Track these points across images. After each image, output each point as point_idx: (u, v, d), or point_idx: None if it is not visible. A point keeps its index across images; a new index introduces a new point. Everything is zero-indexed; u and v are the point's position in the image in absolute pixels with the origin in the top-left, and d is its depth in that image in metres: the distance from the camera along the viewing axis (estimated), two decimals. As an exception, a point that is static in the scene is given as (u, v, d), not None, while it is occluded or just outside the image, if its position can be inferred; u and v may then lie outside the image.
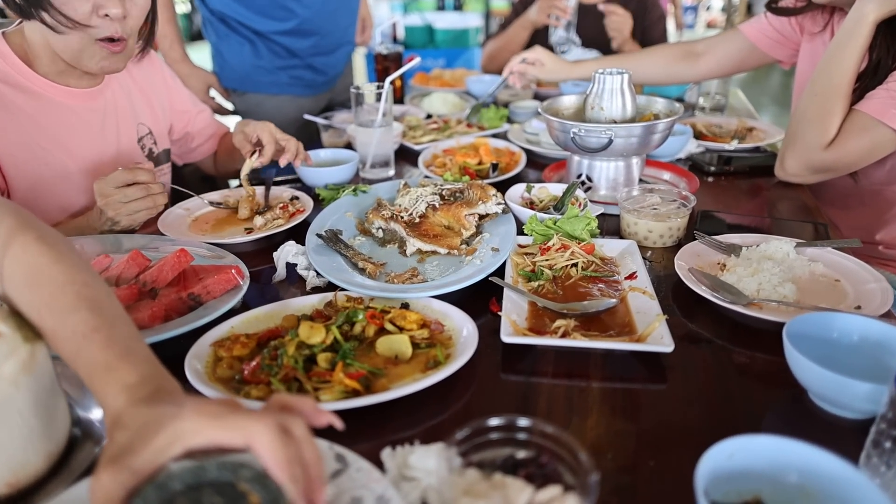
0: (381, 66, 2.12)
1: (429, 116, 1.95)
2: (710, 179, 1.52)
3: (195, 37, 13.08)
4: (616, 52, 2.45)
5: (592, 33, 2.54)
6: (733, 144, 1.64)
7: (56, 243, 0.68)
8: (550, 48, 2.56)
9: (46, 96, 1.22)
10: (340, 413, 0.71)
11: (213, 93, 2.01)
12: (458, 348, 0.82)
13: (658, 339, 0.82)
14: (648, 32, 2.53)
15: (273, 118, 2.00)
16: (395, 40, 3.72)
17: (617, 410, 0.76)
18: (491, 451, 0.61)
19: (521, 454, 0.60)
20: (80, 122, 1.27)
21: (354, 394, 0.73)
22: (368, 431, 0.72)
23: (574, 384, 0.80)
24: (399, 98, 2.17)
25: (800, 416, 0.75)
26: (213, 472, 0.50)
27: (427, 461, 0.62)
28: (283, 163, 1.38)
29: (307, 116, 1.84)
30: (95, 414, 0.72)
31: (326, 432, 0.63)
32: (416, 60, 1.56)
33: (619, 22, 2.39)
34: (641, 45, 2.45)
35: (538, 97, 2.22)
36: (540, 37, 2.57)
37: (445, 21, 3.57)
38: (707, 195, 1.43)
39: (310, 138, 1.96)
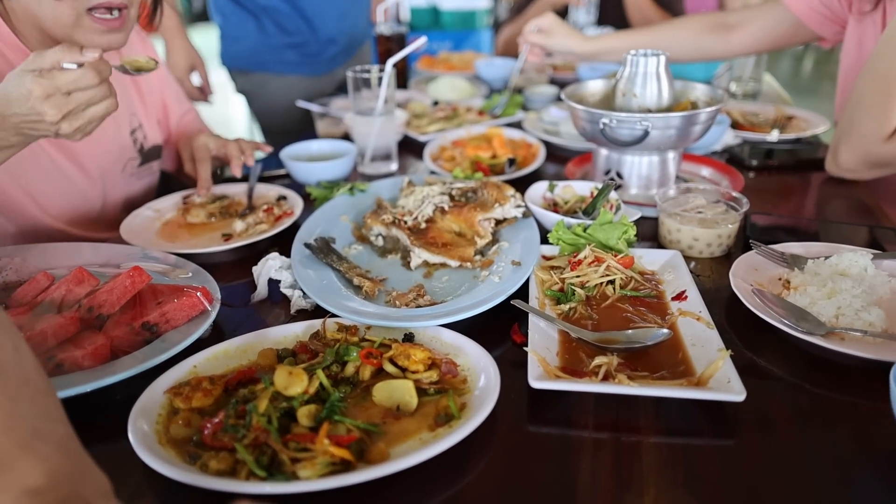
0: (384, 47, 1.94)
1: (435, 103, 1.78)
2: (752, 175, 1.35)
3: (194, 18, 12.93)
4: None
5: (614, 15, 2.37)
6: (774, 135, 1.47)
7: None
8: None
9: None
10: (325, 494, 0.55)
11: (195, 78, 1.83)
12: (474, 396, 0.66)
13: (724, 383, 0.66)
14: (669, 9, 2.35)
15: (278, 99, 1.85)
16: (398, 22, 3.53)
17: (679, 481, 0.59)
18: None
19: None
20: None
21: (343, 465, 0.57)
22: (363, 516, 0.56)
23: (622, 439, 0.64)
24: (403, 83, 1.99)
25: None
26: None
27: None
28: (235, 172, 1.22)
29: (300, 103, 1.67)
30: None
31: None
32: (423, 40, 1.38)
33: None
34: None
35: (555, 82, 2.04)
36: (560, 18, 2.39)
37: (452, 2, 3.37)
38: (749, 194, 1.24)
39: (305, 127, 1.80)
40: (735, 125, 1.52)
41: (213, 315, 0.78)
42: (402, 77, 2.00)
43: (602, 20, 2.46)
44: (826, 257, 0.88)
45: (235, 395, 0.66)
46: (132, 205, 1.22)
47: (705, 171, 1.29)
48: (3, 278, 0.85)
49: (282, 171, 1.35)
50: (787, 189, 1.30)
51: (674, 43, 1.58)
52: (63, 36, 0.97)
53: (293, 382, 0.62)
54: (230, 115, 5.31)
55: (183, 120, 1.39)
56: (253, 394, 0.64)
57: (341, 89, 2.06)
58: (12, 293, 0.81)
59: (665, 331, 0.74)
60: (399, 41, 1.94)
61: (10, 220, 1.07)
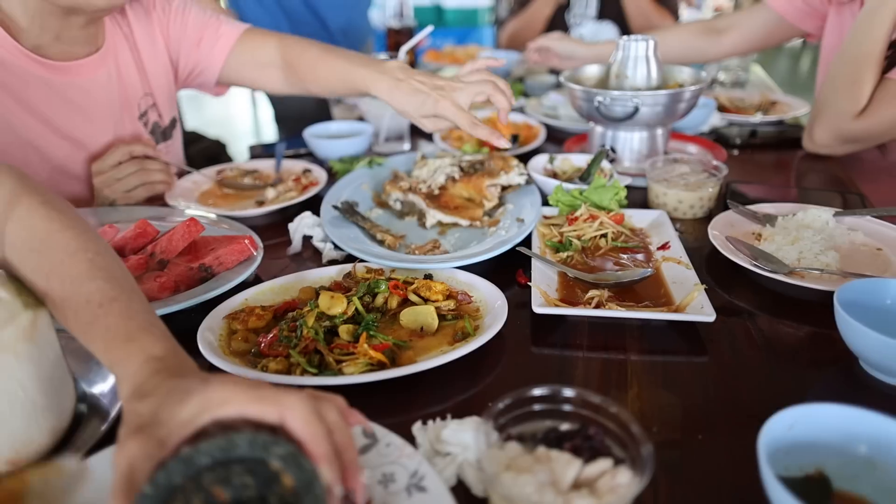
0: (393, 40, 2.07)
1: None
2: (736, 153, 1.46)
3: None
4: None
5: (613, 9, 2.48)
6: (758, 117, 1.59)
7: (64, 209, 0.64)
8: (566, 25, 2.51)
9: (34, 73, 1.05)
10: (366, 386, 0.67)
11: None
12: (486, 320, 0.77)
13: (698, 308, 0.78)
14: (664, 3, 2.47)
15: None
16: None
17: (658, 383, 0.71)
18: (532, 423, 0.56)
19: (566, 426, 0.56)
20: (78, 102, 1.12)
21: (380, 367, 0.69)
22: (396, 407, 0.67)
23: (611, 357, 0.76)
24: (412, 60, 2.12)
25: (852, 387, 0.70)
26: (244, 448, 0.45)
27: (462, 435, 0.58)
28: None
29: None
30: (102, 389, 0.68)
31: (352, 402, 0.59)
32: (429, 29, 1.50)
33: None
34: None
35: (554, 71, 2.16)
36: (563, 12, 2.52)
37: (454, 1, 3.50)
38: (734, 168, 1.37)
39: (320, 113, 1.92)
40: (722, 108, 1.64)
41: (259, 259, 0.90)
42: (411, 68, 2.12)
43: (602, 14, 2.56)
44: (794, 214, 1.00)
45: (284, 318, 0.78)
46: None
47: (692, 148, 1.41)
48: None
49: (303, 151, 1.47)
50: (768, 164, 1.41)
51: (669, 46, 1.72)
52: (67, 1, 0.98)
53: (335, 304, 0.74)
54: (233, 112, 5.44)
55: (221, 31, 1.26)
56: (301, 316, 0.76)
57: None
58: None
59: (649, 270, 0.86)
60: (407, 34, 2.06)
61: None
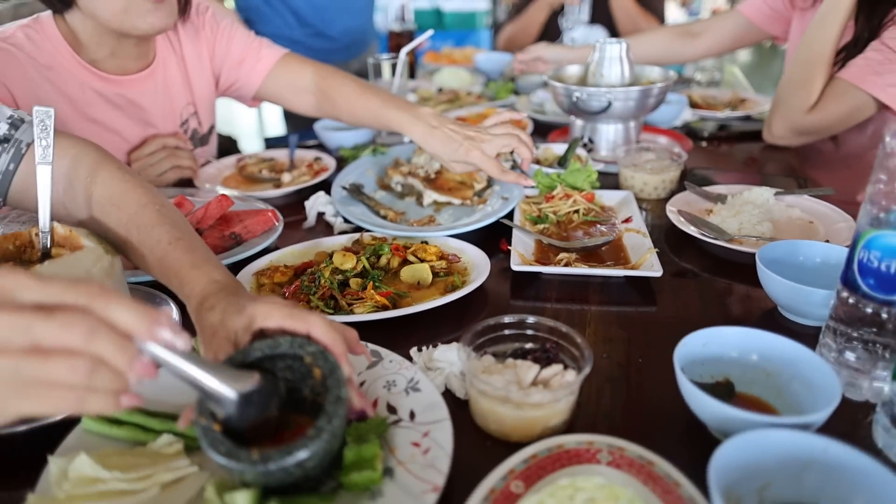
0: (395, 42, 2.22)
1: (440, 90, 2.05)
2: (705, 144, 1.62)
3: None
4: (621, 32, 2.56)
5: (603, 14, 2.63)
6: (726, 112, 1.74)
7: (134, 174, 0.80)
8: (559, 29, 2.67)
9: (90, 83, 1.21)
10: (372, 324, 0.83)
11: None
12: (472, 276, 0.93)
13: (649, 266, 0.93)
14: (650, 8, 2.62)
15: None
16: (404, 21, 3.80)
17: (612, 324, 0.87)
18: (503, 344, 0.72)
19: (529, 345, 0.71)
20: (127, 111, 1.27)
21: (384, 308, 0.84)
22: (396, 340, 0.82)
23: (575, 308, 0.91)
24: (411, 74, 2.27)
25: (770, 327, 0.86)
26: (285, 346, 0.60)
27: (449, 354, 0.73)
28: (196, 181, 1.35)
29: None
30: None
31: (361, 336, 0.74)
32: (429, 33, 1.66)
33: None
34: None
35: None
36: (556, 17, 2.67)
37: (453, 4, 3.66)
38: (701, 158, 1.53)
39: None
40: (694, 105, 1.79)
41: (280, 228, 1.05)
42: (411, 69, 2.28)
43: (593, 19, 2.71)
44: (742, 193, 1.15)
45: (304, 274, 0.93)
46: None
47: (662, 140, 1.56)
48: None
49: (312, 142, 1.63)
50: (732, 155, 1.57)
51: (649, 48, 1.88)
52: (119, 22, 1.11)
53: (346, 261, 0.90)
54: (238, 111, 5.58)
55: (262, 52, 1.39)
56: (318, 270, 0.91)
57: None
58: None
59: (611, 237, 1.01)
60: (408, 36, 2.21)
61: None
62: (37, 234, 0.76)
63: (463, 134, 1.11)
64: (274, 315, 0.62)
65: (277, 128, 5.12)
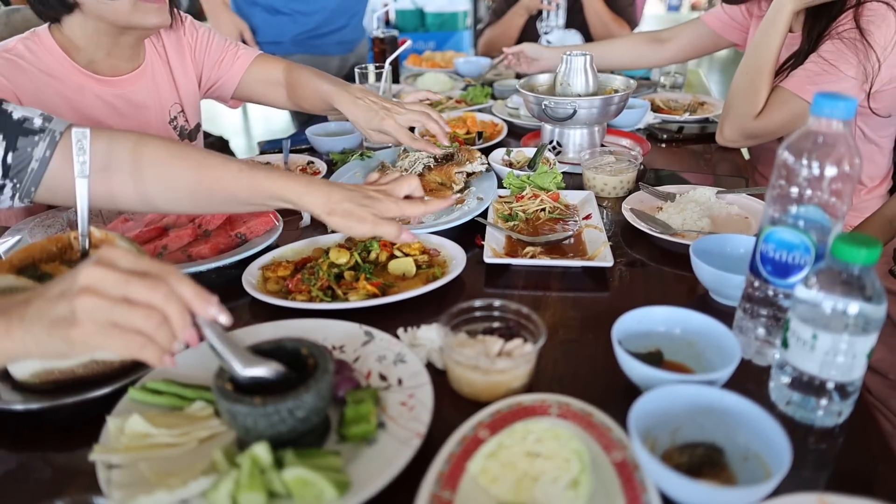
0: (378, 48, 2.36)
1: (422, 94, 2.19)
2: (664, 146, 1.78)
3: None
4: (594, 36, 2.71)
5: (578, 18, 2.78)
6: (685, 116, 1.90)
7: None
8: (536, 32, 2.82)
9: (88, 87, 1.34)
10: (365, 310, 0.97)
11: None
12: (451, 267, 1.07)
13: (602, 258, 1.08)
14: (623, 14, 2.77)
15: None
16: (388, 24, 3.93)
17: (568, 307, 1.01)
18: (475, 324, 0.86)
19: (496, 325, 0.86)
20: (121, 110, 1.40)
21: (374, 296, 0.99)
22: (386, 323, 0.96)
23: (539, 294, 1.06)
24: (395, 78, 2.41)
25: (701, 307, 1.01)
26: (288, 344, 0.74)
27: (430, 333, 0.88)
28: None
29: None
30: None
31: (355, 320, 0.89)
32: (408, 43, 1.80)
33: None
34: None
35: (518, 76, 2.46)
36: (534, 21, 2.82)
37: (434, 5, 3.79)
38: (660, 158, 1.69)
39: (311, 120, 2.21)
40: (656, 109, 1.95)
41: (280, 228, 1.19)
42: (395, 73, 2.42)
43: (569, 23, 2.86)
44: (688, 192, 1.31)
45: (304, 268, 1.07)
46: None
47: (625, 142, 1.71)
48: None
49: (304, 146, 1.76)
50: (688, 155, 1.72)
51: (620, 54, 2.05)
52: (126, 22, 1.25)
53: (341, 255, 1.04)
54: (223, 112, 5.67)
55: (238, 58, 1.57)
56: (317, 264, 1.05)
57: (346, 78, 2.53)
58: (140, 218, 1.22)
59: (570, 232, 1.16)
60: (391, 42, 2.35)
61: None
62: (76, 237, 0.89)
63: (381, 105, 1.35)
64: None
65: (262, 128, 5.22)
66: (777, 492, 0.61)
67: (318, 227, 1.31)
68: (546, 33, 2.84)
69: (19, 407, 0.77)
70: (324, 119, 1.97)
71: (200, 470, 0.65)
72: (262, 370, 0.68)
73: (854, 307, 0.68)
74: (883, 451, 0.73)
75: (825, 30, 1.52)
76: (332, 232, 1.26)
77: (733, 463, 0.67)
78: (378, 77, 1.70)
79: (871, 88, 1.43)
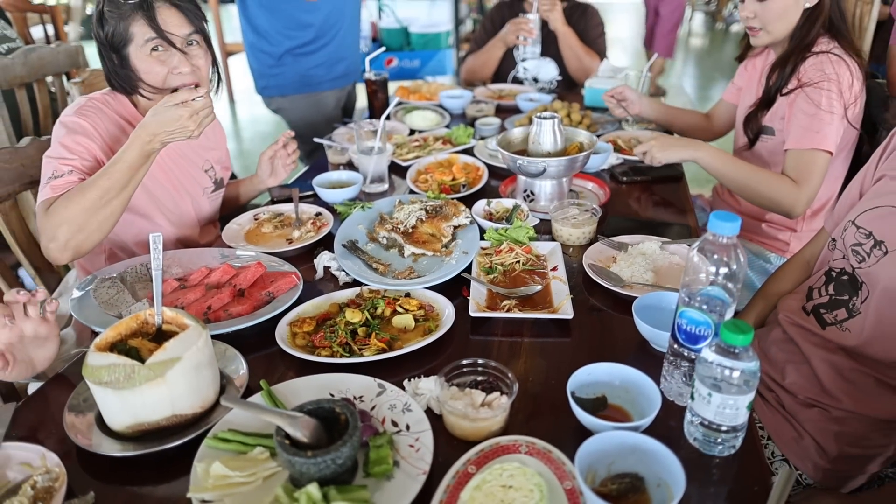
0: (371, 89, 2.59)
1: (411, 132, 2.43)
2: (624, 186, 2.04)
3: None
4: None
5: (552, 48, 3.02)
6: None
7: None
8: (514, 60, 3.07)
9: None
10: (376, 362, 1.22)
11: None
12: (443, 321, 1.33)
13: (565, 311, 1.34)
14: (593, 46, 3.01)
15: (306, 113, 2.61)
16: (374, 41, 4.14)
17: (537, 354, 1.28)
18: (463, 377, 1.12)
19: (480, 378, 1.12)
20: (168, 152, 1.72)
21: (383, 350, 1.24)
22: (394, 369, 1.22)
23: (515, 340, 1.32)
24: (384, 109, 2.65)
25: (642, 353, 1.28)
26: (326, 405, 0.99)
27: (429, 384, 1.14)
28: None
29: (316, 139, 2.31)
30: (229, 371, 1.22)
31: (369, 372, 1.15)
32: (396, 100, 2.04)
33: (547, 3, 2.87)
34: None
35: (500, 109, 2.71)
36: (512, 51, 3.06)
37: (418, 25, 4.00)
38: (620, 198, 1.95)
39: (326, 130, 2.45)
40: (619, 150, 2.20)
41: (301, 286, 1.44)
42: (384, 107, 2.66)
43: (544, 53, 3.09)
44: (638, 244, 1.57)
45: (324, 325, 1.32)
46: (212, 217, 1.88)
47: (590, 185, 1.97)
48: (172, 273, 1.50)
49: (310, 193, 2.00)
50: (645, 195, 1.99)
51: (690, 124, 2.41)
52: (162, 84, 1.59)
53: (355, 315, 1.30)
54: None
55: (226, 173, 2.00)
56: (335, 323, 1.30)
57: (351, 98, 2.94)
58: (188, 277, 1.46)
59: (539, 287, 1.42)
60: (382, 84, 2.58)
61: (157, 227, 1.72)
62: (150, 315, 1.14)
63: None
64: None
65: (250, 130, 5.41)
66: (675, 510, 0.88)
67: (329, 277, 1.56)
68: (523, 60, 3.08)
69: (118, 454, 1.02)
70: (322, 160, 2.21)
71: (268, 503, 0.91)
72: (304, 432, 0.94)
73: (736, 372, 0.94)
74: (762, 474, 1.00)
75: (785, 83, 1.84)
76: (345, 284, 1.51)
77: (650, 488, 0.94)
78: (374, 134, 1.94)
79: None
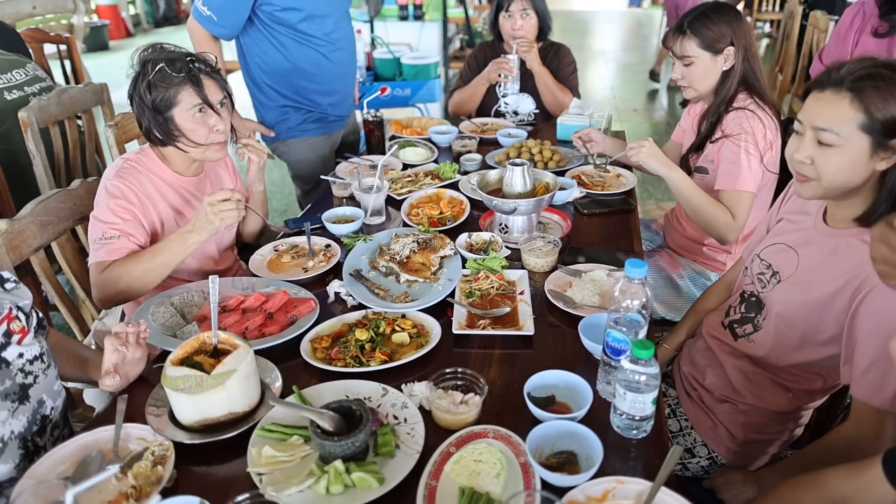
0: (368, 128, 2.95)
1: (404, 167, 2.80)
2: (585, 218, 2.40)
3: (157, 24, 13.40)
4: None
5: (529, 84, 3.38)
6: (606, 191, 2.52)
7: None
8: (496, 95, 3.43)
9: (176, 185, 2.04)
10: (381, 371, 1.58)
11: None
12: (431, 337, 1.69)
13: (528, 329, 1.70)
14: (566, 83, 3.37)
15: (305, 156, 2.95)
16: (368, 69, 4.50)
17: (506, 363, 1.64)
18: (447, 381, 1.48)
19: (459, 382, 1.48)
20: (192, 194, 2.09)
21: (385, 361, 1.60)
22: (393, 376, 1.57)
23: (487, 352, 1.68)
24: (380, 147, 3.01)
25: (587, 361, 1.63)
26: (345, 404, 1.35)
27: (421, 387, 1.50)
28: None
29: (323, 177, 2.67)
30: (266, 379, 1.57)
31: (374, 379, 1.51)
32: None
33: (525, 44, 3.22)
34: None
35: (483, 142, 3.08)
36: (494, 86, 3.42)
37: (409, 57, 4.37)
38: (582, 228, 2.31)
39: (325, 170, 2.81)
40: (582, 184, 2.57)
41: (318, 310, 1.79)
42: (380, 143, 3.02)
43: (522, 89, 3.45)
44: (590, 272, 1.93)
45: (339, 341, 1.68)
46: (230, 244, 2.25)
47: (555, 217, 2.33)
48: (201, 300, 1.86)
49: (318, 226, 2.35)
50: (602, 224, 2.35)
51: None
52: (202, 158, 1.99)
53: (363, 334, 1.66)
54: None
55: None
56: (347, 341, 1.66)
57: (344, 145, 3.20)
58: (225, 304, 1.81)
59: (508, 309, 1.79)
60: (378, 124, 2.94)
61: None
62: (208, 337, 1.49)
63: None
64: None
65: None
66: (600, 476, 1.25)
67: (339, 301, 1.92)
68: (504, 96, 3.45)
69: (189, 441, 1.37)
70: (328, 194, 2.57)
71: (306, 474, 1.26)
72: (331, 423, 1.30)
73: (643, 377, 1.31)
74: (663, 450, 1.36)
75: (712, 132, 2.21)
76: (353, 306, 1.87)
77: (581, 461, 1.30)
78: (373, 168, 2.30)
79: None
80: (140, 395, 1.52)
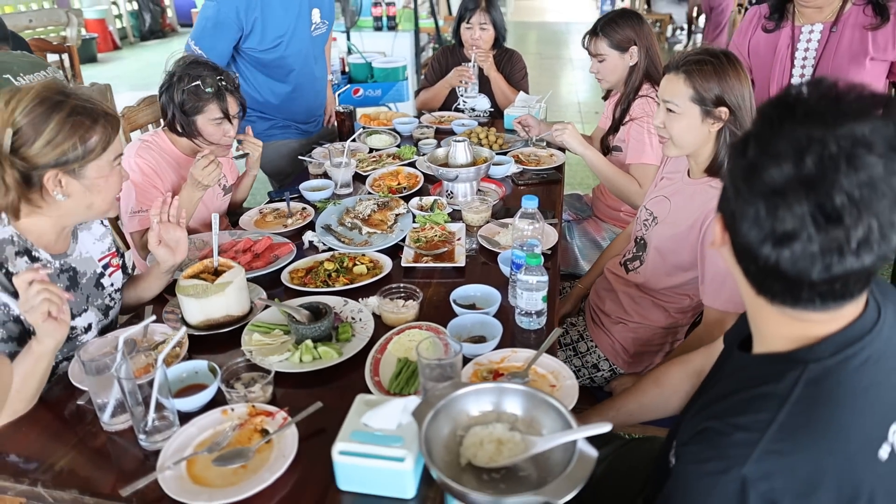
0: (340, 118, 3.42)
1: (370, 150, 3.27)
2: (521, 187, 2.89)
3: (143, 37, 13.82)
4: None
5: (486, 87, 3.87)
6: (538, 167, 3.01)
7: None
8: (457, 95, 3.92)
9: (181, 161, 2.48)
10: (343, 291, 2.04)
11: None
12: (384, 268, 2.15)
13: (461, 262, 2.17)
14: (517, 86, 3.87)
15: (274, 158, 3.36)
16: (343, 73, 4.98)
17: (441, 287, 2.10)
18: (392, 294, 1.95)
19: (402, 294, 1.95)
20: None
21: (347, 284, 2.06)
22: (353, 295, 2.03)
23: (428, 281, 2.14)
24: (350, 133, 3.47)
25: (503, 281, 2.11)
26: (314, 304, 1.81)
27: (374, 300, 1.96)
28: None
29: (301, 157, 3.13)
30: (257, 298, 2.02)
31: (338, 297, 1.97)
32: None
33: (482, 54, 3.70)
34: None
35: (440, 132, 3.56)
36: (454, 89, 3.90)
37: (380, 61, 4.86)
38: (517, 195, 2.79)
39: (300, 167, 3.27)
40: (519, 161, 3.06)
41: (295, 252, 2.25)
42: (350, 132, 3.49)
43: (481, 90, 3.92)
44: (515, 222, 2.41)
45: (311, 272, 2.14)
46: (223, 213, 2.70)
47: (493, 186, 2.81)
48: (202, 245, 2.31)
49: (296, 195, 2.81)
50: (532, 192, 2.83)
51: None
52: (213, 149, 2.42)
53: (330, 265, 2.12)
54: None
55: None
56: (317, 270, 2.12)
57: (321, 137, 3.59)
58: (222, 247, 2.27)
59: (448, 247, 2.26)
60: (349, 115, 3.41)
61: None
62: (210, 262, 1.94)
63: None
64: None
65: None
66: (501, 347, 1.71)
67: (311, 248, 2.38)
68: (462, 95, 3.94)
69: (196, 333, 1.82)
70: (304, 172, 3.04)
71: (284, 350, 1.72)
72: (303, 317, 1.76)
73: (534, 280, 1.78)
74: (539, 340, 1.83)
75: (623, 117, 2.70)
76: (324, 250, 2.34)
77: (488, 339, 1.77)
78: (342, 152, 2.76)
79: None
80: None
